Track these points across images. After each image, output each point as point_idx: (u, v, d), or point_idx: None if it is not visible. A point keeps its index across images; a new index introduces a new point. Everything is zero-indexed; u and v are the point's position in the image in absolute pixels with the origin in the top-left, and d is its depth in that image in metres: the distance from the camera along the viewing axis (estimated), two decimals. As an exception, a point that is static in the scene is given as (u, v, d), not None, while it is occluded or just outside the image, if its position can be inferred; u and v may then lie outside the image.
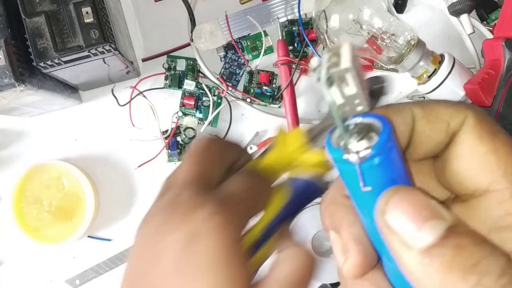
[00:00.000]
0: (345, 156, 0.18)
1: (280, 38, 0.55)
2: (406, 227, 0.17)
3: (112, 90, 0.54)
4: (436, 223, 0.17)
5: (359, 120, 0.19)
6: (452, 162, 0.20)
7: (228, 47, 0.56)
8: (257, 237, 0.25)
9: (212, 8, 0.56)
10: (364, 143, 0.18)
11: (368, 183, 0.18)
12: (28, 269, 0.55)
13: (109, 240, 0.56)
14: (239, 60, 0.56)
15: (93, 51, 0.43)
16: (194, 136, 0.54)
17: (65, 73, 0.46)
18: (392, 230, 0.17)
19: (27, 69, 0.44)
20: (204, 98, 0.55)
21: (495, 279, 0.16)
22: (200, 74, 0.56)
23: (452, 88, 0.50)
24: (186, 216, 0.21)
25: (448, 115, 0.20)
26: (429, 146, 0.20)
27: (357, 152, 0.18)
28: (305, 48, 0.56)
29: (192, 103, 0.55)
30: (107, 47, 0.43)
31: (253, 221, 0.24)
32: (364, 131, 0.19)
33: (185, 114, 0.55)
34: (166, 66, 0.55)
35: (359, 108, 0.19)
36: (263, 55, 0.56)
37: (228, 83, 0.55)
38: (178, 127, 0.55)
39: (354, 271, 0.20)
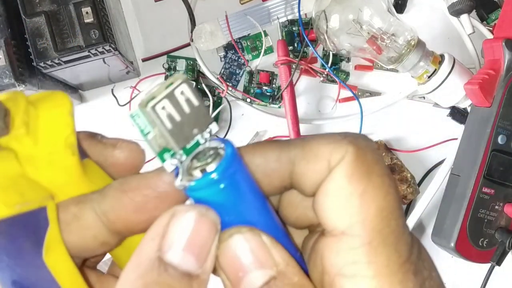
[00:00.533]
0: (176, 182, 0.18)
1: (280, 38, 0.55)
2: (236, 270, 0.18)
3: (112, 90, 0.54)
4: (262, 270, 0.18)
5: (208, 143, 0.19)
6: (319, 197, 0.19)
7: (228, 47, 0.56)
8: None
9: (212, 8, 0.56)
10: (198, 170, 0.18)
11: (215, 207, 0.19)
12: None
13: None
14: (239, 60, 0.56)
15: (93, 51, 0.43)
16: (194, 136, 0.54)
17: (65, 73, 0.46)
18: (225, 271, 0.19)
19: (27, 69, 0.44)
20: (204, 98, 0.56)
21: None
22: (200, 74, 0.56)
23: (452, 88, 0.50)
24: None
25: (328, 152, 0.19)
26: (311, 185, 0.20)
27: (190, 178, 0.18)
28: (305, 48, 0.56)
29: (192, 103, 0.55)
30: (107, 47, 0.43)
31: None
32: (206, 157, 0.19)
33: (185, 114, 0.55)
34: (166, 66, 0.55)
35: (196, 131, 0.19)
36: (263, 55, 0.56)
37: (228, 83, 0.55)
38: (178, 127, 0.55)
39: None
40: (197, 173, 0.18)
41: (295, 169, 0.20)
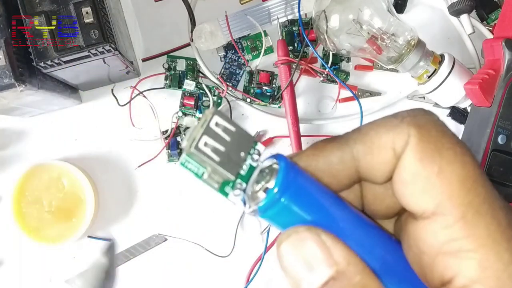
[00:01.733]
0: (246, 210, 0.19)
1: (280, 38, 0.55)
2: (296, 270, 0.18)
3: (112, 90, 0.54)
4: (321, 270, 0.18)
5: (261, 164, 0.20)
6: (397, 186, 0.19)
7: (228, 47, 0.56)
8: None
9: (212, 8, 0.56)
10: (261, 191, 0.19)
11: (281, 225, 0.19)
12: (28, 269, 0.55)
13: (109, 240, 0.56)
14: (239, 60, 0.56)
15: (93, 51, 0.43)
16: (194, 136, 0.54)
17: (65, 73, 0.46)
18: (286, 272, 0.19)
19: (27, 69, 0.44)
20: (204, 98, 0.55)
21: None
22: (200, 74, 0.56)
23: (452, 88, 0.50)
24: None
25: (391, 140, 0.19)
26: (382, 176, 0.19)
27: (255, 201, 0.19)
28: (305, 48, 0.56)
29: (192, 103, 0.55)
30: (107, 47, 0.43)
31: None
32: (264, 176, 0.19)
33: (185, 114, 0.56)
34: (166, 66, 0.55)
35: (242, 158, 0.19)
36: (263, 55, 0.55)
37: (228, 83, 0.55)
38: (178, 127, 0.55)
39: None
40: (261, 194, 0.19)
41: (361, 164, 0.19)
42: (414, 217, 0.19)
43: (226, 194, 0.20)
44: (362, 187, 0.22)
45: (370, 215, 0.22)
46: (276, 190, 0.18)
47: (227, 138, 0.19)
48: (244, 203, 0.19)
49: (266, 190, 0.19)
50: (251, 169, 0.20)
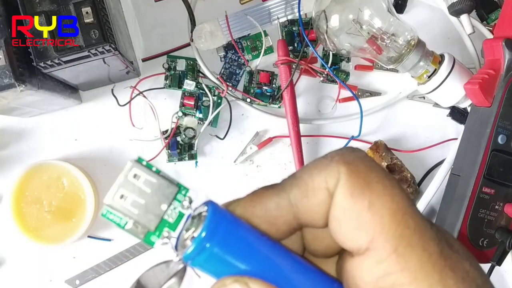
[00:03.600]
0: (174, 258, 0.19)
1: (280, 38, 0.55)
2: None
3: (112, 90, 0.54)
4: None
5: (191, 212, 0.19)
6: (332, 225, 0.19)
7: (228, 47, 0.56)
8: None
9: (212, 8, 0.56)
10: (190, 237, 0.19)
11: (214, 274, 0.19)
12: (28, 269, 0.55)
13: (109, 240, 0.56)
14: (239, 60, 0.56)
15: (93, 51, 0.43)
16: (194, 136, 0.54)
17: (65, 73, 0.46)
18: None
19: (27, 69, 0.44)
20: (204, 98, 0.55)
21: None
22: (200, 74, 0.56)
23: (452, 88, 0.50)
24: None
25: (323, 180, 0.19)
26: (320, 218, 0.19)
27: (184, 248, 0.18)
28: (305, 48, 0.56)
29: (192, 103, 0.55)
30: (107, 47, 0.43)
31: None
32: (194, 223, 0.19)
33: (185, 114, 0.55)
34: (166, 66, 0.55)
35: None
36: (263, 55, 0.55)
37: (228, 83, 0.55)
38: (178, 127, 0.55)
39: None
40: (188, 242, 0.18)
41: (299, 209, 0.19)
42: (351, 255, 0.19)
43: (152, 243, 0.19)
44: (302, 229, 0.22)
45: (311, 254, 0.22)
46: (203, 235, 0.18)
47: (147, 190, 0.19)
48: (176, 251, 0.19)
49: (192, 238, 0.18)
50: (180, 216, 0.19)
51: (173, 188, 0.19)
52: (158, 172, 0.19)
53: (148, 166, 0.19)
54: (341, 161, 0.19)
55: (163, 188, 0.19)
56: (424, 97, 0.56)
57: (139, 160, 0.19)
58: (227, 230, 0.18)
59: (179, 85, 0.55)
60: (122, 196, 0.19)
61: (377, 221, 0.18)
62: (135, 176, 0.19)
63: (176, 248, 0.19)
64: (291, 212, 0.19)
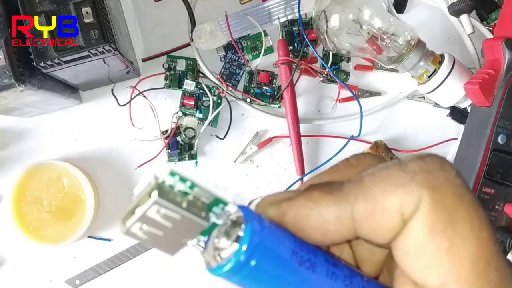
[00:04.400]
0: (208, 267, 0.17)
1: (280, 38, 0.55)
2: None
3: (112, 90, 0.54)
4: None
5: (225, 217, 0.17)
6: (400, 253, 0.17)
7: (228, 47, 0.56)
8: None
9: (212, 8, 0.56)
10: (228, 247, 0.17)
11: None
12: (28, 269, 0.55)
13: (109, 240, 0.56)
14: (239, 60, 0.56)
15: (93, 51, 0.43)
16: (194, 136, 0.54)
17: (65, 73, 0.46)
18: None
19: (27, 69, 0.44)
20: (204, 98, 0.55)
21: None
22: (200, 74, 0.56)
23: (452, 88, 0.50)
24: None
25: (398, 203, 0.16)
26: (383, 240, 0.17)
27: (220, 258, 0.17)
28: (305, 48, 0.56)
29: (192, 103, 0.55)
30: (107, 47, 0.43)
31: None
32: (229, 232, 0.17)
33: (185, 114, 0.55)
34: (166, 66, 0.55)
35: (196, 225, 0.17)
36: (263, 55, 0.55)
37: (228, 83, 0.55)
38: (178, 127, 0.55)
39: None
40: (222, 255, 0.17)
41: (362, 226, 0.17)
42: (415, 285, 0.17)
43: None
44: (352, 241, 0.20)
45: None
46: (243, 250, 0.16)
47: (168, 224, 0.17)
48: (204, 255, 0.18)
49: (229, 251, 0.17)
50: (215, 225, 0.18)
51: (199, 226, 0.17)
52: (192, 187, 0.17)
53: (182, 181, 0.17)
54: (425, 185, 0.16)
55: (187, 224, 0.17)
56: (424, 97, 0.56)
57: (171, 175, 0.17)
58: (273, 244, 0.16)
59: (179, 85, 0.55)
60: (140, 228, 0.17)
61: (454, 267, 0.15)
62: (157, 211, 0.17)
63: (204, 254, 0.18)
64: (352, 228, 0.17)
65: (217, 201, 0.17)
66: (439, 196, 0.15)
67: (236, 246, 0.16)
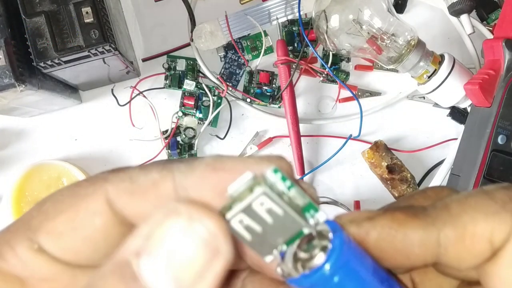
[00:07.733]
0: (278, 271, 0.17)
1: (280, 38, 0.55)
2: None
3: (112, 90, 0.54)
4: None
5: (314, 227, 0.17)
6: (493, 282, 0.16)
7: (228, 47, 0.56)
8: None
9: (212, 8, 0.56)
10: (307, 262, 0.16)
11: None
12: (28, 269, 0.55)
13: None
14: (239, 60, 0.56)
15: (93, 51, 0.43)
16: (194, 136, 0.54)
17: (65, 73, 0.46)
18: None
19: (27, 69, 0.44)
20: (204, 98, 0.55)
21: None
22: (200, 74, 0.56)
23: (452, 88, 0.50)
24: None
25: (489, 231, 0.16)
26: (465, 268, 0.17)
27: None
28: (305, 48, 0.56)
29: (192, 103, 0.55)
30: (107, 47, 0.43)
31: None
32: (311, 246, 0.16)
33: (185, 114, 0.55)
34: (166, 66, 0.55)
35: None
36: (263, 55, 0.55)
37: (228, 83, 0.55)
38: (178, 127, 0.55)
39: None
40: (312, 264, 0.16)
41: (447, 252, 0.16)
42: None
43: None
44: None
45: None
46: (326, 268, 0.15)
47: (269, 220, 0.16)
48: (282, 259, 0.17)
49: (309, 263, 0.16)
50: (301, 234, 0.17)
51: (298, 225, 0.17)
52: (290, 188, 0.17)
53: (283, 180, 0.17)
54: None
55: (288, 222, 0.16)
56: (424, 97, 0.56)
57: (274, 172, 0.16)
58: (356, 262, 0.16)
59: (179, 85, 0.55)
60: (241, 221, 0.16)
61: None
62: (262, 204, 0.16)
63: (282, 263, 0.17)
64: (435, 253, 0.16)
65: (310, 206, 0.17)
66: None
67: (322, 258, 0.16)
